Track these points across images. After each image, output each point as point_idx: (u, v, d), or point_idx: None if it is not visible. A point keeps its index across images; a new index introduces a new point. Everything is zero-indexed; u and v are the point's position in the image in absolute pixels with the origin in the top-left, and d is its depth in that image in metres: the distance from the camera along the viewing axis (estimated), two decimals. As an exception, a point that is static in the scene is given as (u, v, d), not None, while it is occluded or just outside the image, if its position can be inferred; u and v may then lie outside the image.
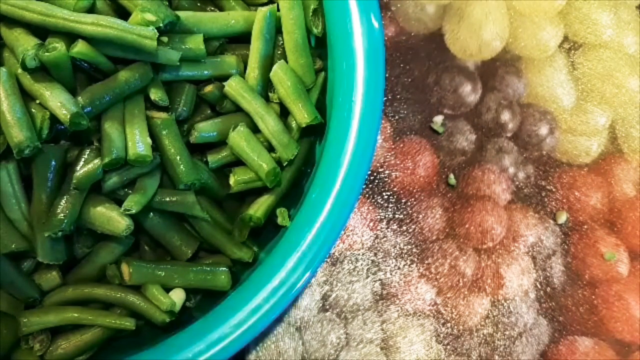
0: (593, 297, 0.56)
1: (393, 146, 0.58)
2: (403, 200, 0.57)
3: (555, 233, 0.57)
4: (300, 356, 0.53)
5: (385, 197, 0.57)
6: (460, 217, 0.57)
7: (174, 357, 0.41)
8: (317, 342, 0.53)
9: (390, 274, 0.55)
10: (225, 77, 0.46)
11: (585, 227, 0.58)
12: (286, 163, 0.46)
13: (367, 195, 0.57)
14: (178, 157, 0.44)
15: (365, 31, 0.44)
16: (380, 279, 0.55)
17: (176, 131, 0.45)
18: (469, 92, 0.59)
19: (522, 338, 0.55)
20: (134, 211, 0.42)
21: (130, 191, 0.44)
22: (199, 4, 0.48)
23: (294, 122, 0.47)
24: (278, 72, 0.46)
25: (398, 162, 0.58)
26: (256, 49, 0.47)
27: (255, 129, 0.47)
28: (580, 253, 0.57)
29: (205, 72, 0.46)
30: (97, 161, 0.42)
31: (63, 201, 0.42)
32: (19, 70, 0.42)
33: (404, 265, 0.56)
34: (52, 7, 0.42)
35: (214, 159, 0.47)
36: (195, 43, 0.45)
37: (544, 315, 0.56)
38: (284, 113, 0.48)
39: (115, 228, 0.43)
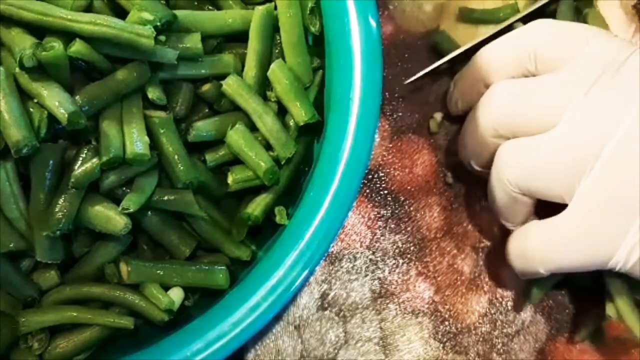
0: (591, 294, 0.56)
1: (391, 145, 0.58)
2: (401, 199, 0.57)
3: (553, 231, 0.57)
4: (299, 354, 0.53)
5: (383, 195, 0.57)
6: (458, 216, 0.57)
7: (172, 355, 0.41)
8: (315, 340, 0.53)
9: (389, 273, 0.55)
10: (223, 76, 0.46)
11: (583, 224, 0.58)
12: (284, 161, 0.46)
13: (365, 194, 0.57)
14: (176, 156, 0.44)
15: (363, 29, 0.44)
16: (378, 278, 0.55)
17: (174, 130, 0.45)
18: (467, 91, 0.59)
19: (519, 336, 0.55)
20: (132, 210, 0.42)
21: (128, 190, 0.44)
22: (196, 3, 0.48)
23: (292, 120, 0.47)
24: (276, 70, 0.46)
25: (396, 160, 0.58)
26: (254, 47, 0.47)
27: (253, 128, 0.47)
28: (578, 251, 0.57)
29: (203, 70, 0.46)
30: (95, 160, 0.42)
31: (61, 200, 0.42)
32: (17, 70, 0.42)
33: (402, 264, 0.56)
34: (49, 6, 0.42)
35: (212, 157, 0.47)
36: (193, 42, 0.45)
37: (541, 313, 0.56)
38: (281, 111, 0.48)
39: (114, 227, 0.43)
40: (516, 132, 0.48)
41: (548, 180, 0.46)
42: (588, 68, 0.46)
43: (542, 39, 0.48)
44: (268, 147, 0.47)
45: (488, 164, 0.50)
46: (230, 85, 0.46)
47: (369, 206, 0.57)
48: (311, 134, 0.48)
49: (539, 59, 0.48)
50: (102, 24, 0.42)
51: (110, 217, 0.43)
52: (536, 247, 0.48)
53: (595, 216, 0.44)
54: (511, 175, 0.47)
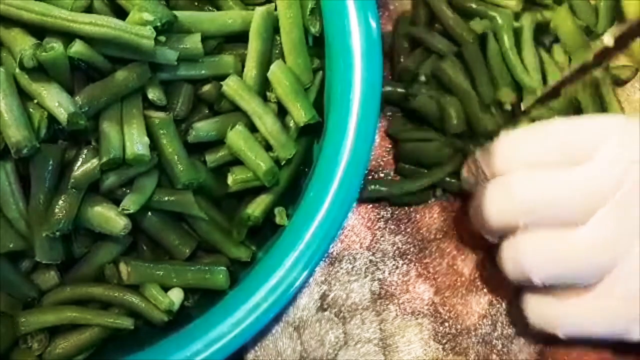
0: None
1: (390, 145, 0.58)
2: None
3: (553, 232, 0.57)
4: (299, 355, 0.53)
5: (383, 196, 0.57)
6: (458, 217, 0.57)
7: (172, 356, 0.41)
8: (315, 341, 0.53)
9: (389, 274, 0.55)
10: (223, 77, 0.46)
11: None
12: (284, 162, 0.46)
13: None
14: (176, 157, 0.44)
15: (363, 30, 0.44)
16: (378, 279, 0.55)
17: (174, 131, 0.45)
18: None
19: (519, 337, 0.55)
20: (131, 210, 0.42)
21: (128, 191, 0.44)
22: (196, 4, 0.48)
23: (292, 121, 0.47)
24: (276, 71, 0.46)
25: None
26: (254, 48, 0.47)
27: (253, 128, 0.47)
28: (578, 252, 0.57)
29: (203, 71, 0.46)
30: (94, 161, 0.42)
31: (61, 201, 0.42)
32: (17, 70, 0.42)
33: (402, 265, 0.56)
34: (49, 6, 0.42)
35: (212, 158, 0.47)
36: (193, 42, 0.45)
37: (541, 314, 0.56)
38: (282, 112, 0.48)
39: (113, 227, 0.43)
40: (538, 223, 0.48)
41: (577, 278, 0.49)
42: (613, 165, 0.47)
43: (562, 135, 0.49)
44: (268, 147, 0.47)
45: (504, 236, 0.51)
46: (231, 86, 0.46)
47: (368, 207, 0.57)
48: (311, 135, 0.48)
49: (557, 154, 0.49)
50: (102, 24, 0.42)
51: (110, 217, 0.43)
52: (560, 315, 0.50)
53: (620, 298, 0.48)
54: (537, 271, 0.49)
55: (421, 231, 0.57)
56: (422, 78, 0.56)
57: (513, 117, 0.56)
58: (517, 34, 0.56)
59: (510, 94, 0.55)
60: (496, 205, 0.50)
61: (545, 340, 0.55)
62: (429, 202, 0.57)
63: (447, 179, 0.56)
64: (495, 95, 0.55)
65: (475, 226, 0.53)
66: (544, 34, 0.57)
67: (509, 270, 0.50)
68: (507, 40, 0.55)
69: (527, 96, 0.55)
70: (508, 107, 0.55)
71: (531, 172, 0.49)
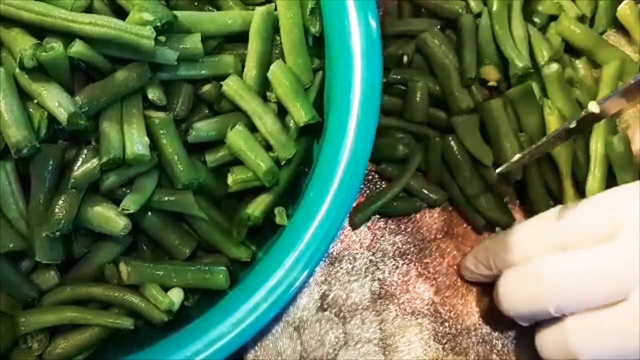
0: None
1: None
2: (401, 200, 0.57)
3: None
4: (299, 355, 0.53)
5: (383, 196, 0.57)
6: (458, 217, 0.57)
7: (172, 356, 0.41)
8: (315, 341, 0.53)
9: (389, 274, 0.55)
10: (223, 77, 0.46)
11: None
12: (284, 162, 0.46)
13: (365, 194, 0.57)
14: (176, 157, 0.44)
15: (363, 30, 0.44)
16: (378, 279, 0.55)
17: (174, 131, 0.45)
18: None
19: (519, 337, 0.55)
20: (131, 210, 0.42)
21: (128, 191, 0.44)
22: (196, 4, 0.48)
23: (292, 121, 0.47)
24: (276, 71, 0.46)
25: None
26: (254, 48, 0.47)
27: (253, 128, 0.47)
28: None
29: (203, 71, 0.46)
30: (94, 161, 0.42)
31: (61, 201, 0.42)
32: (17, 70, 0.42)
33: (402, 265, 0.56)
34: (49, 6, 0.42)
35: (212, 158, 0.47)
36: (193, 42, 0.45)
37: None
38: (282, 112, 0.48)
39: (113, 228, 0.43)
40: (573, 306, 0.48)
41: (630, 351, 0.47)
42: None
43: (580, 216, 0.49)
44: (268, 147, 0.47)
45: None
46: (231, 86, 0.46)
47: (368, 207, 0.57)
48: (311, 135, 0.48)
49: (577, 235, 0.48)
50: (102, 24, 0.42)
51: (110, 217, 0.43)
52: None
53: None
54: (588, 352, 0.47)
55: (421, 231, 0.57)
56: (405, 59, 0.56)
57: (498, 94, 0.56)
58: (509, 11, 0.56)
59: (495, 71, 0.55)
60: (524, 293, 0.49)
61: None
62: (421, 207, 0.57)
63: (428, 193, 0.56)
64: (478, 73, 0.55)
65: (507, 314, 0.52)
66: (535, 13, 0.58)
67: (551, 353, 0.50)
68: (498, 14, 0.55)
69: (512, 73, 0.55)
70: (493, 84, 0.55)
71: (554, 255, 0.48)
